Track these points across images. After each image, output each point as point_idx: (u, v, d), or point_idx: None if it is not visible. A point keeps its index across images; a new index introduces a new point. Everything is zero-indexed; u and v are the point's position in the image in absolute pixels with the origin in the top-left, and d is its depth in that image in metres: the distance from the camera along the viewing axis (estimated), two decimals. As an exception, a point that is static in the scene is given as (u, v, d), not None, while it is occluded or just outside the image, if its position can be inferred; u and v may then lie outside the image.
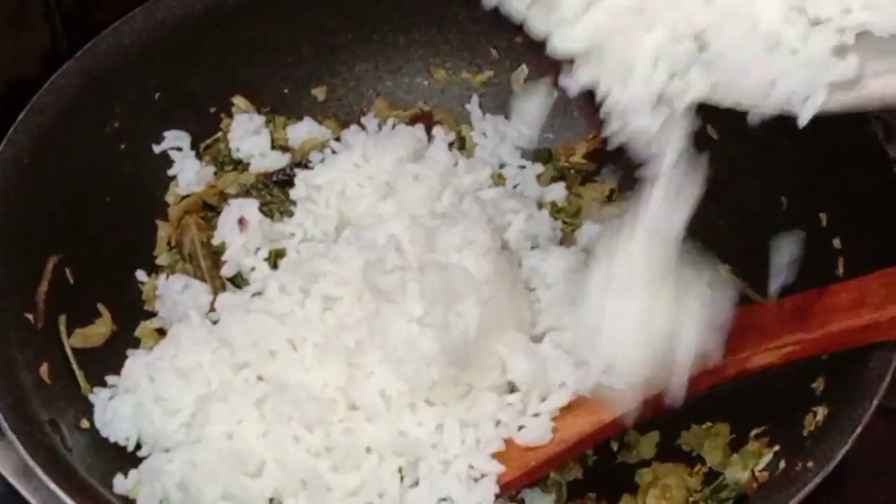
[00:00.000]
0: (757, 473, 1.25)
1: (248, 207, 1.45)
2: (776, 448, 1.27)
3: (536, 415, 1.23)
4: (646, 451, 1.35)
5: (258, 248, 1.43)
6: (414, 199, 1.39)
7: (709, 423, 1.35)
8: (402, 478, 1.23)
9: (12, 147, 1.37)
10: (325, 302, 1.30)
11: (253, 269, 1.43)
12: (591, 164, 1.56)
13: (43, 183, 1.39)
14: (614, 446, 1.35)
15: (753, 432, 1.31)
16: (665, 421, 1.35)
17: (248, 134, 1.53)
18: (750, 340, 1.21)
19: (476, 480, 1.21)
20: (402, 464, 1.23)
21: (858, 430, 1.15)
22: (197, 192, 1.50)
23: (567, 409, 1.23)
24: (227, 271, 1.44)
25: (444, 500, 1.21)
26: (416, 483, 1.23)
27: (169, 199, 1.51)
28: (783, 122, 1.38)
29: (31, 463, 1.16)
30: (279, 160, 1.53)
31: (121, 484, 1.26)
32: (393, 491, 1.22)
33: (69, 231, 1.40)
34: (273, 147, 1.56)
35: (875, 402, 1.16)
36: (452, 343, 1.21)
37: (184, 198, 1.51)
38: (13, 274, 1.33)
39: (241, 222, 1.44)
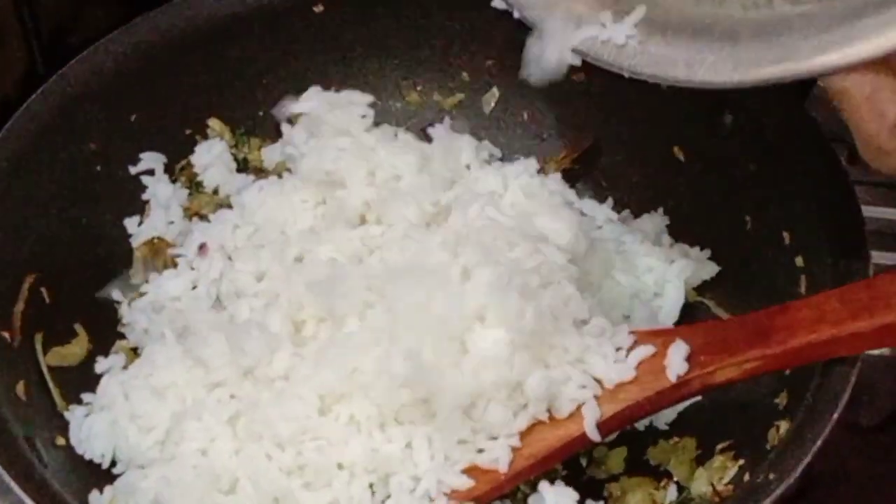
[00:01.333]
0: (721, 487, 1.27)
1: (211, 232, 1.46)
2: (741, 462, 1.29)
3: (494, 438, 1.24)
4: (614, 465, 1.37)
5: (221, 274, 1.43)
6: None
7: (676, 439, 1.37)
8: (373, 493, 1.24)
9: (-14, 172, 1.39)
10: (292, 325, 1.32)
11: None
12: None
13: (19, 203, 1.40)
14: (583, 462, 1.37)
15: (719, 447, 1.33)
16: (633, 436, 1.37)
17: (211, 163, 1.55)
18: (713, 356, 1.23)
19: (446, 495, 1.23)
20: (373, 480, 1.24)
21: (819, 443, 1.16)
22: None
23: (535, 425, 1.25)
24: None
25: (416, 515, 1.23)
26: (387, 498, 1.24)
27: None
28: (750, 143, 1.43)
29: (7, 479, 1.17)
30: (245, 183, 1.55)
31: (96, 500, 1.27)
32: (361, 506, 1.24)
33: (46, 251, 1.42)
34: (247, 169, 1.58)
35: (835, 415, 1.18)
36: (421, 367, 1.22)
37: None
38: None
39: (202, 248, 1.46)
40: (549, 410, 1.25)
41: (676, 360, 1.24)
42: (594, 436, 1.24)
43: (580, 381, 1.24)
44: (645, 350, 1.26)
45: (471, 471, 1.24)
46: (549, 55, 1.24)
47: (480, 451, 1.24)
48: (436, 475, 1.23)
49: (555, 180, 1.51)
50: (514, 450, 1.24)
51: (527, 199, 1.42)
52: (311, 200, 1.43)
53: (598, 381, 1.25)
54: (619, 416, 1.24)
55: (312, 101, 1.54)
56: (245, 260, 1.40)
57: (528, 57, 1.29)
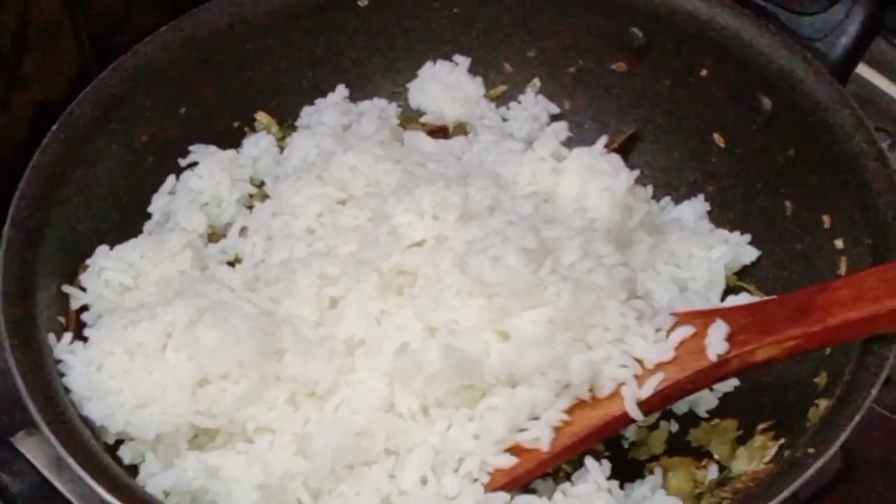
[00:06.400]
0: (761, 466, 1.28)
1: (252, 218, 1.49)
2: (781, 441, 1.30)
3: (537, 417, 1.26)
4: (655, 447, 1.39)
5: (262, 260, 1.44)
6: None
7: (717, 420, 1.39)
8: (418, 475, 1.26)
9: (43, 162, 1.42)
10: (331, 303, 1.34)
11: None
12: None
13: (73, 197, 1.44)
14: (625, 444, 1.39)
15: (760, 427, 1.34)
16: (674, 418, 1.39)
17: (259, 156, 1.58)
18: (753, 336, 1.24)
19: (489, 474, 1.25)
20: (417, 461, 1.26)
21: (858, 418, 1.18)
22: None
23: (577, 405, 1.27)
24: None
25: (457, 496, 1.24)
26: (430, 480, 1.26)
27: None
28: (789, 128, 1.45)
29: (64, 454, 1.20)
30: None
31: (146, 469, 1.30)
32: (408, 487, 1.26)
33: (101, 242, 1.44)
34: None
35: (874, 391, 1.19)
36: (462, 360, 1.24)
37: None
38: (51, 280, 1.38)
39: (242, 231, 1.49)
40: (590, 390, 1.27)
41: (716, 340, 1.25)
42: (635, 415, 1.25)
43: (621, 361, 1.26)
44: (685, 330, 1.27)
45: (514, 449, 1.26)
46: None
47: (523, 430, 1.26)
48: (479, 456, 1.25)
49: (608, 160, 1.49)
50: (557, 429, 1.26)
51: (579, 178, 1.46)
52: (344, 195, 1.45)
53: (639, 362, 1.27)
54: (659, 396, 1.26)
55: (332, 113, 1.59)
56: (279, 247, 1.42)
57: None
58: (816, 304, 1.23)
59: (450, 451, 1.26)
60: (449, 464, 1.26)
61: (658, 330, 1.28)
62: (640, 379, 1.26)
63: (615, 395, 1.26)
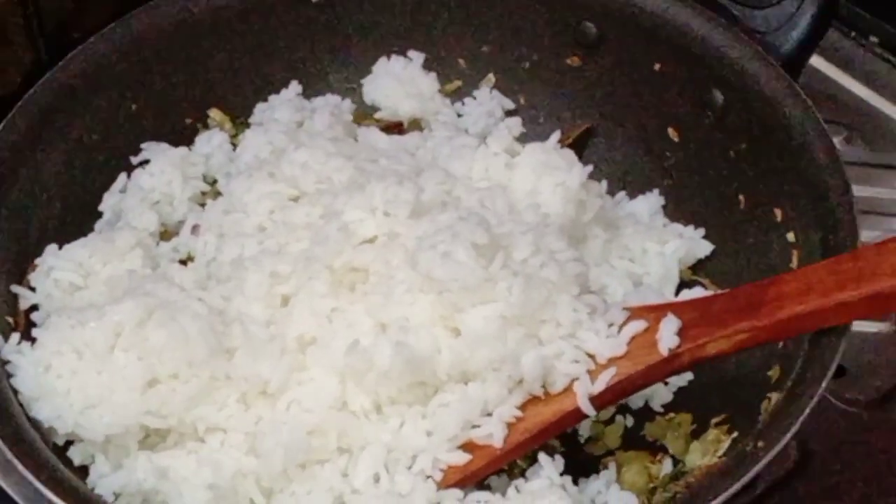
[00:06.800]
0: (714, 460, 1.29)
1: (205, 216, 1.48)
2: (734, 435, 1.30)
3: (489, 414, 1.26)
4: (611, 441, 1.39)
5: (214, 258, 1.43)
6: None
7: (672, 414, 1.39)
8: (370, 473, 1.25)
9: (-8, 160, 1.41)
10: (282, 300, 1.33)
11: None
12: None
13: (22, 196, 1.43)
14: (581, 439, 1.39)
15: (713, 421, 1.34)
16: (630, 412, 1.39)
17: (211, 153, 1.57)
18: (703, 329, 1.24)
19: (442, 471, 1.25)
20: (369, 459, 1.25)
21: (807, 411, 1.18)
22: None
23: (530, 400, 1.27)
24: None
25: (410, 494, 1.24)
26: (383, 478, 1.25)
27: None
28: (742, 122, 1.45)
29: (11, 457, 1.19)
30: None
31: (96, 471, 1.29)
32: (360, 485, 1.25)
33: (51, 241, 1.43)
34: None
35: (824, 384, 1.19)
36: (413, 356, 1.24)
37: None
38: (-1, 280, 1.38)
39: (195, 228, 1.48)
40: (543, 386, 1.27)
41: (667, 335, 1.25)
42: (588, 409, 1.25)
43: (573, 356, 1.26)
44: (637, 325, 1.27)
45: (466, 446, 1.25)
46: None
47: (476, 426, 1.26)
48: (432, 453, 1.25)
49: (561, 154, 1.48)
50: (510, 425, 1.26)
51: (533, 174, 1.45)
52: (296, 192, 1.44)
53: (592, 357, 1.27)
54: (611, 390, 1.26)
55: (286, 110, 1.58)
56: (230, 245, 1.41)
57: None
58: (766, 298, 1.23)
59: (402, 449, 1.25)
60: (402, 461, 1.25)
61: (610, 325, 1.28)
62: (592, 374, 1.26)
63: (568, 390, 1.26)
